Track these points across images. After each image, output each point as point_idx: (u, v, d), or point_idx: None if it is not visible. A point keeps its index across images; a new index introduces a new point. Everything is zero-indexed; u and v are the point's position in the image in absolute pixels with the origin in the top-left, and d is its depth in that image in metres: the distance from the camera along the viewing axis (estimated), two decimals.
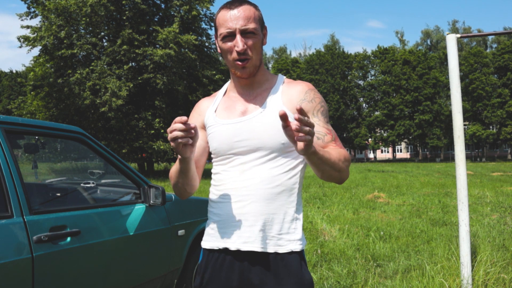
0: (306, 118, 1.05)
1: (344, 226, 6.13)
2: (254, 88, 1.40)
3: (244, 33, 1.30)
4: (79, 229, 2.18)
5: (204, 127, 1.47)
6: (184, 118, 1.16)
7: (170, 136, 1.16)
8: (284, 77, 1.46)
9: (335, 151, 1.28)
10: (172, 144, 1.18)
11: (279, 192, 1.31)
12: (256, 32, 1.31)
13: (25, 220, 1.97)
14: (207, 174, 1.48)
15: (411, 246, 5.04)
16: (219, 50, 1.37)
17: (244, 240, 1.31)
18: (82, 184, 3.06)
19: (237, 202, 1.33)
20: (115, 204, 2.73)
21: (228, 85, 1.49)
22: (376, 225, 6.38)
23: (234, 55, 1.30)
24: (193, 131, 1.17)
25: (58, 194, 2.98)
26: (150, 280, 2.69)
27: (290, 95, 1.36)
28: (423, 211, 8.02)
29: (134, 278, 2.58)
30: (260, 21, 1.35)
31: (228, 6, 1.32)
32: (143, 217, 2.62)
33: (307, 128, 1.05)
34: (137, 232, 2.55)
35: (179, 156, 1.26)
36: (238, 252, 1.33)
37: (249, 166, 1.32)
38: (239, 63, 1.31)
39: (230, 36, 1.30)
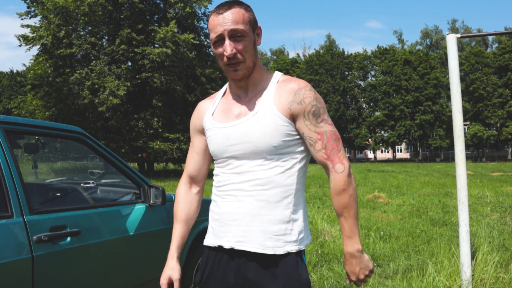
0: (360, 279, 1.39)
1: None
2: (249, 89, 1.39)
3: (233, 36, 1.28)
4: (79, 229, 2.18)
5: (203, 131, 1.47)
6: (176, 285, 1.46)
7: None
8: (281, 74, 1.42)
9: (346, 210, 1.33)
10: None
11: (275, 194, 1.31)
12: (246, 34, 1.29)
13: (25, 220, 1.96)
14: (210, 174, 1.49)
15: (411, 246, 5.04)
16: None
17: (238, 239, 1.33)
18: (82, 184, 3.06)
19: (234, 202, 1.35)
20: (115, 204, 2.72)
21: (227, 86, 1.49)
22: (376, 225, 6.38)
23: (225, 59, 1.30)
24: None
25: (58, 194, 2.98)
26: (150, 280, 2.69)
27: (280, 96, 1.33)
28: (423, 211, 8.01)
29: (134, 278, 2.58)
30: (251, 22, 1.32)
31: (217, 10, 1.30)
32: (143, 217, 2.61)
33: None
34: (137, 232, 2.54)
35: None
36: (232, 250, 1.35)
37: (244, 168, 1.34)
38: (231, 67, 1.31)
39: (220, 40, 1.29)
